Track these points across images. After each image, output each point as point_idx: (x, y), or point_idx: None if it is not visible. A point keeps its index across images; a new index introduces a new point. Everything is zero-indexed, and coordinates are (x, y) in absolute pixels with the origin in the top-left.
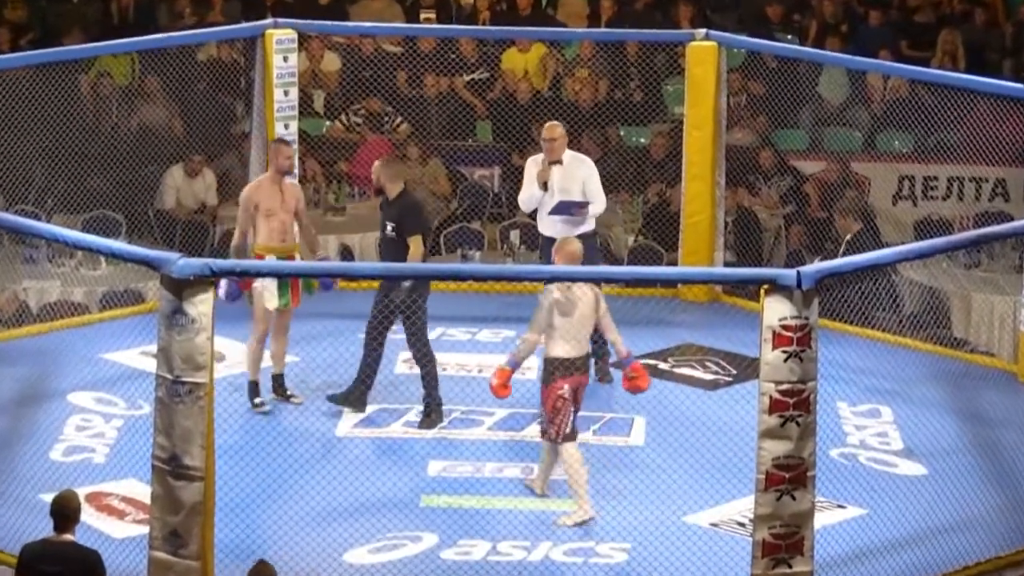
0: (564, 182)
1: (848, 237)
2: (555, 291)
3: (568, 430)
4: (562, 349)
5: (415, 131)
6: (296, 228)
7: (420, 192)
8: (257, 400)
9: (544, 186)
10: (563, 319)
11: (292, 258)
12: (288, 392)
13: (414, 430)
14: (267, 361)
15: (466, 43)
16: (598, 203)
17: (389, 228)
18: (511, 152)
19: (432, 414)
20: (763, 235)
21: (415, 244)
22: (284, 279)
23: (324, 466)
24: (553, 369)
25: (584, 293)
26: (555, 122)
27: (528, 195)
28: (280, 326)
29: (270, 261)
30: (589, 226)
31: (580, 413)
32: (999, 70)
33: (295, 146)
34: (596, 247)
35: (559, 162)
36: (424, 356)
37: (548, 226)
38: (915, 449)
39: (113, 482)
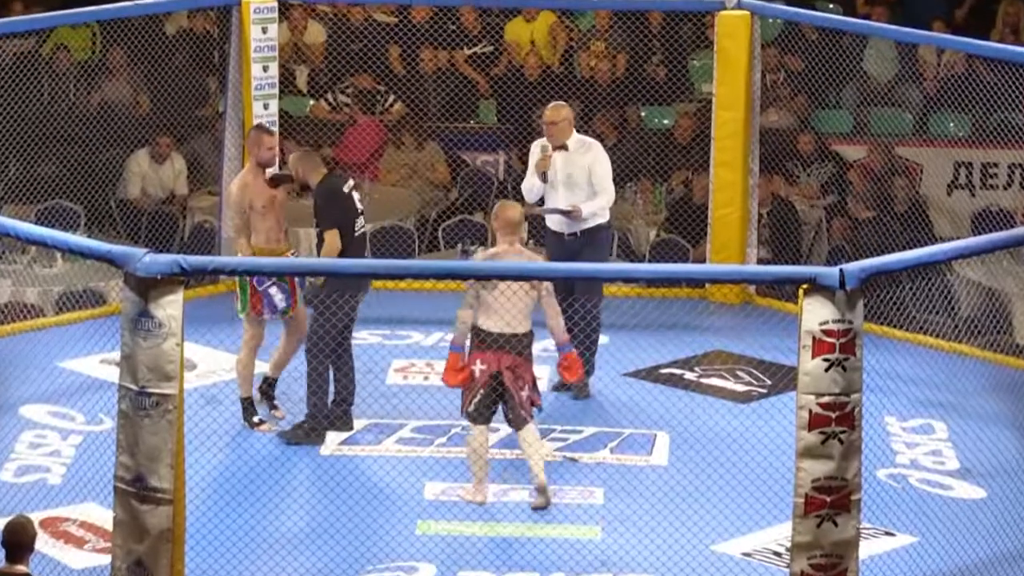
0: (568, 169)
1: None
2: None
3: (472, 409)
4: (486, 321)
5: (410, 112)
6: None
7: (416, 181)
8: (256, 419)
9: (544, 177)
10: (486, 292)
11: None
12: (274, 402)
13: (408, 448)
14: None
15: (467, 12)
16: (603, 194)
17: (314, 224)
18: (517, 135)
19: (305, 426)
20: (802, 229)
21: (328, 239)
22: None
23: (307, 488)
24: (475, 339)
25: None
26: (559, 103)
27: (529, 185)
28: (293, 328)
29: (248, 258)
30: (602, 218)
31: (603, 429)
32: None
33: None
34: (608, 241)
35: (564, 147)
36: (321, 363)
37: (553, 220)
38: (973, 469)
39: (71, 506)
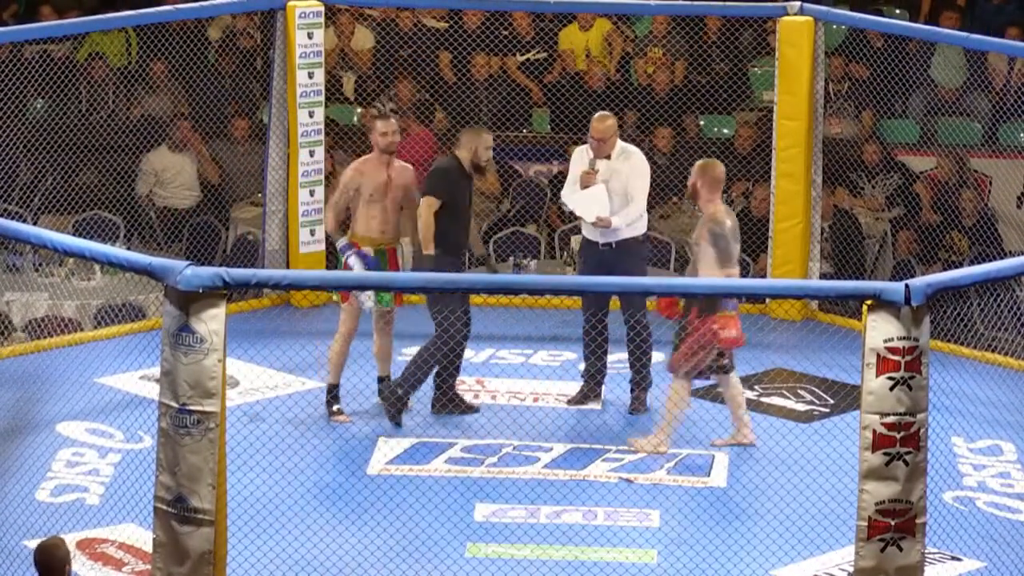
0: (605, 175)
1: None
2: (727, 217)
3: (704, 368)
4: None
5: (459, 121)
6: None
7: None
8: (336, 407)
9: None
10: (735, 245)
11: (392, 252)
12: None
13: (457, 468)
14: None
15: (521, 17)
16: (632, 205)
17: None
18: (572, 145)
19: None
20: (866, 242)
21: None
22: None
23: (353, 509)
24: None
25: None
26: (604, 113)
27: (569, 193)
28: (382, 324)
29: (291, 272)
30: (636, 231)
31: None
32: None
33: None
34: (644, 255)
35: (607, 157)
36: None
37: (588, 228)
38: None
39: (109, 527)
